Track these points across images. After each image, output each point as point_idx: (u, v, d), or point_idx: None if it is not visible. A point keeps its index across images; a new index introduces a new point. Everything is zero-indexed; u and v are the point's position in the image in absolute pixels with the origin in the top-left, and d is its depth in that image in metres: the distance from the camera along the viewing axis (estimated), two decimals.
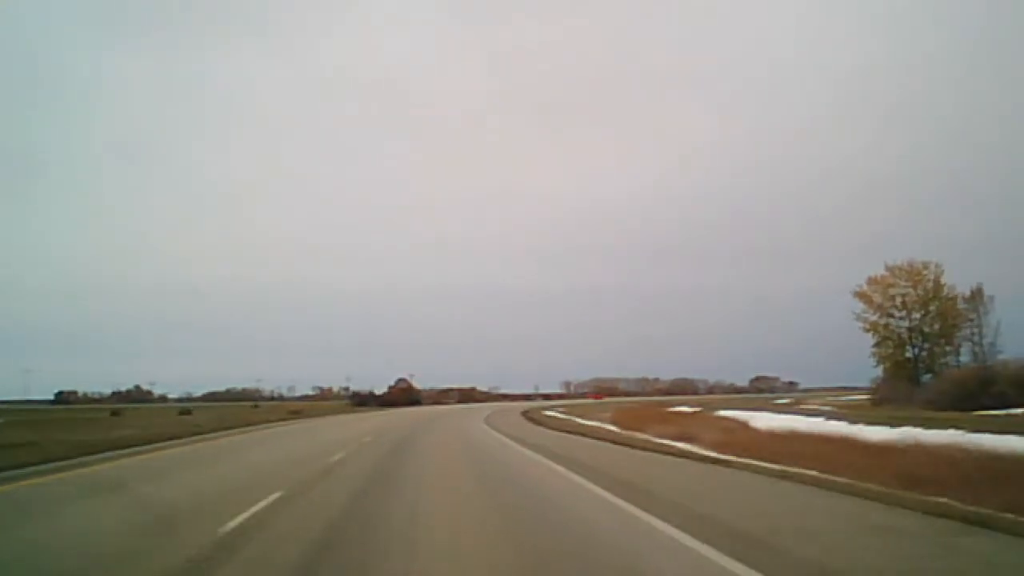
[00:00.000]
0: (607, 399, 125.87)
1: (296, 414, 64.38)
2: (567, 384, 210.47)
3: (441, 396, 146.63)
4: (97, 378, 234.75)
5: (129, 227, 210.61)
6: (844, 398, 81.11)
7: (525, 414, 53.57)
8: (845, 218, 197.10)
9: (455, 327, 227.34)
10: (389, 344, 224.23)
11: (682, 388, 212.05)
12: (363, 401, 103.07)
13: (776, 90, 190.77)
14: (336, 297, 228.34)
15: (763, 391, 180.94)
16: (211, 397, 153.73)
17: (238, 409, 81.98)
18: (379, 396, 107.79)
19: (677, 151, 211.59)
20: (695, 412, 50.44)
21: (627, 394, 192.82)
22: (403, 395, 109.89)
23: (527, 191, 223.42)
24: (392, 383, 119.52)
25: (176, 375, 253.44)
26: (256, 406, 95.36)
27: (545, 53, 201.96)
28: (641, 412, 47.23)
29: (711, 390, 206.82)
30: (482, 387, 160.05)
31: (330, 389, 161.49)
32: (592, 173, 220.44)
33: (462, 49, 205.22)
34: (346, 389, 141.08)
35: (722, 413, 43.70)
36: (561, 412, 58.81)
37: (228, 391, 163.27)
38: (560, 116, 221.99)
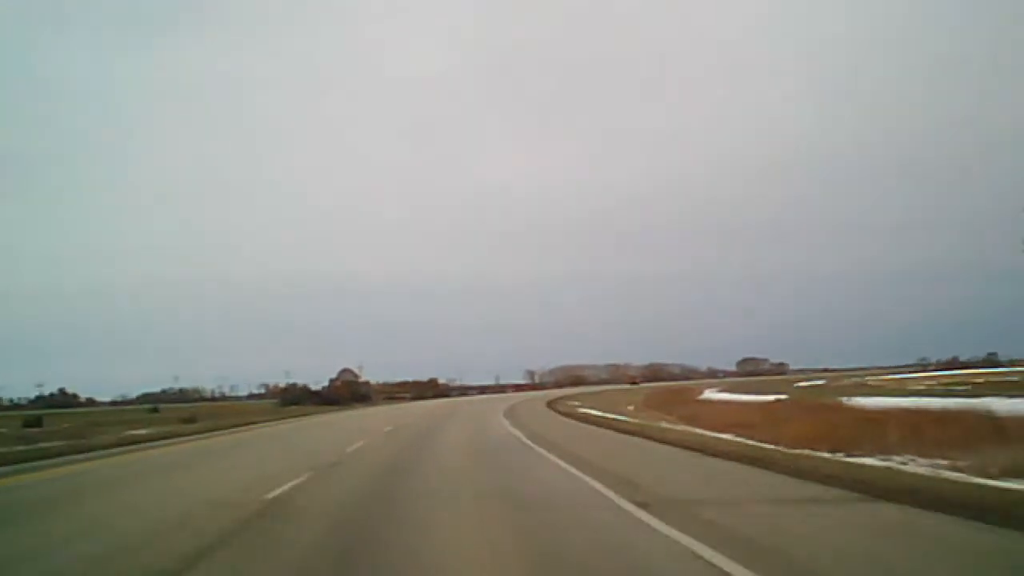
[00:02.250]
0: (598, 388, 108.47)
1: (188, 422, 46.65)
2: (531, 373, 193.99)
3: (395, 390, 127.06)
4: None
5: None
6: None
7: (580, 418, 35.49)
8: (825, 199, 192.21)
9: (408, 318, 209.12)
10: (339, 338, 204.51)
11: (656, 374, 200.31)
12: (295, 399, 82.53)
13: (743, 76, 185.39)
14: (283, 291, 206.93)
15: (753, 374, 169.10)
16: (146, 399, 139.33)
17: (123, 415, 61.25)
18: (317, 392, 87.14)
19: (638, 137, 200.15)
20: (780, 400, 33.59)
21: (602, 382, 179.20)
22: (347, 390, 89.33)
23: (488, 179, 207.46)
24: (334, 376, 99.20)
25: (108, 377, 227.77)
26: (155, 410, 74.61)
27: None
28: (725, 410, 29.48)
29: (688, 375, 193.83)
30: (440, 379, 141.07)
31: (276, 386, 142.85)
32: (556, 160, 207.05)
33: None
34: (294, 385, 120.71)
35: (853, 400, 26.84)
36: (595, 408, 40.85)
37: (164, 392, 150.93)
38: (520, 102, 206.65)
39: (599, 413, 35.34)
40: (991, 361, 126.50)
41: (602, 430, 24.90)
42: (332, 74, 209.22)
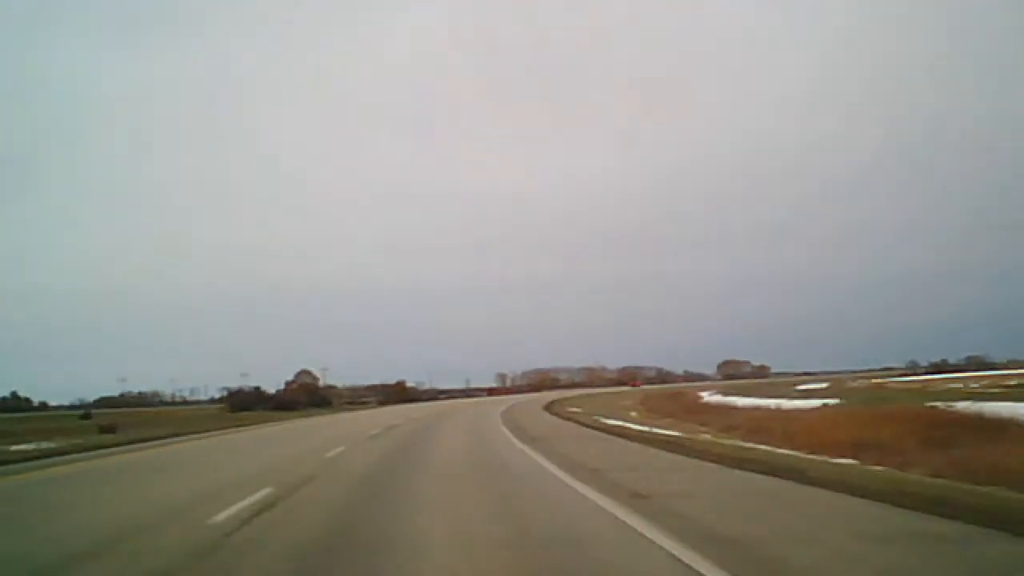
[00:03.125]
0: (593, 391, 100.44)
1: (106, 432, 38.95)
2: (503, 376, 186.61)
3: (360, 394, 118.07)
4: None
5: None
6: None
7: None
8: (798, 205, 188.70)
9: (379, 320, 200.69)
10: (306, 341, 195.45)
11: (632, 377, 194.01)
12: (246, 404, 73.08)
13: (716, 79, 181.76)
14: (247, 294, 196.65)
15: (735, 376, 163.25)
16: (105, 403, 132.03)
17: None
18: (272, 396, 77.60)
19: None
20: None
21: (576, 385, 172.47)
22: (304, 394, 79.98)
23: (457, 183, 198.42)
24: (291, 378, 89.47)
25: (76, 380, 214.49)
26: (87, 416, 65.03)
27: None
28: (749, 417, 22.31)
29: (664, 379, 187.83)
30: (409, 382, 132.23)
31: (240, 389, 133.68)
32: (526, 163, 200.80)
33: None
34: (241, 389, 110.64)
35: None
36: (605, 415, 33.10)
37: (123, 396, 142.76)
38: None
39: (617, 422, 27.64)
40: (986, 363, 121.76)
41: (653, 450, 17.07)
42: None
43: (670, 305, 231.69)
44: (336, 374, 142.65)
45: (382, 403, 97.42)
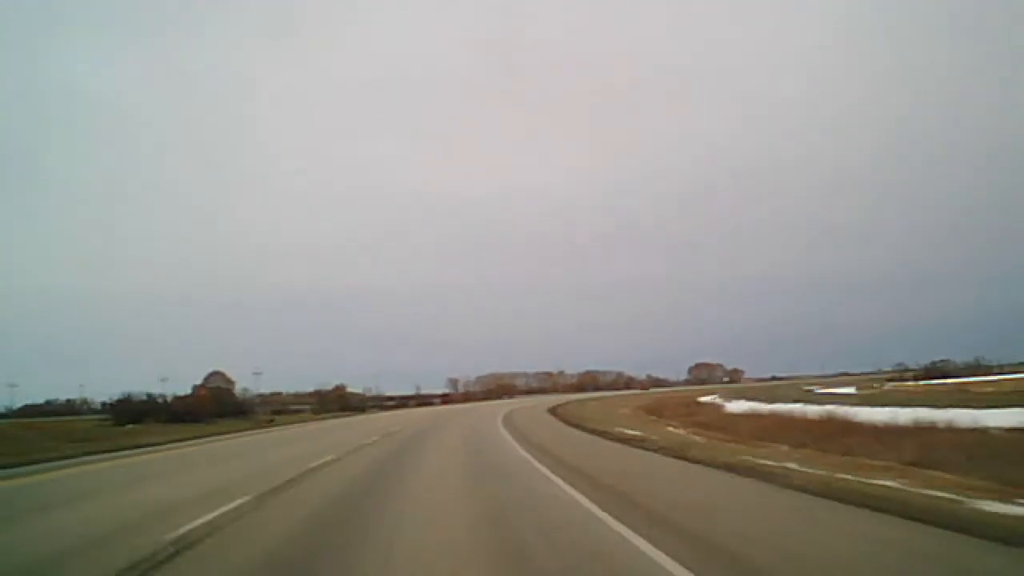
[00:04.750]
0: (589, 394, 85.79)
1: None
2: (454, 382, 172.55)
3: (292, 401, 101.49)
4: None
5: None
6: None
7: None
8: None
9: (314, 325, 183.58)
10: (243, 345, 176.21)
11: (594, 381, 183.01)
12: (136, 414, 55.58)
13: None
14: (171, 297, 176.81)
15: (706, 381, 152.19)
16: (30, 411, 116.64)
17: None
18: (166, 406, 59.65)
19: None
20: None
21: (535, 391, 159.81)
22: (213, 402, 62.42)
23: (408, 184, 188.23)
24: (200, 381, 71.68)
25: None
26: None
27: None
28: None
29: (627, 384, 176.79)
30: (355, 388, 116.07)
31: (129, 396, 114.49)
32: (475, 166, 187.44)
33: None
34: (149, 396, 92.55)
35: None
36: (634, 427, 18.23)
37: (49, 403, 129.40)
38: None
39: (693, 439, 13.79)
40: (982, 368, 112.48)
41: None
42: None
43: (633, 309, 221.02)
44: (274, 379, 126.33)
45: (319, 412, 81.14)
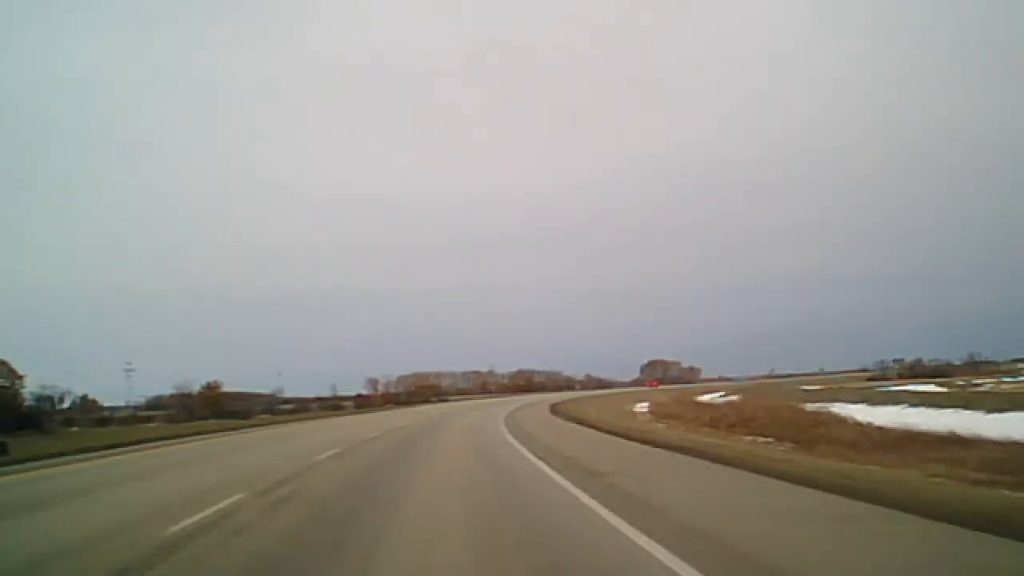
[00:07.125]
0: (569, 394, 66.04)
1: None
2: (374, 382, 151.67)
3: (160, 404, 78.24)
4: None
5: None
6: None
7: None
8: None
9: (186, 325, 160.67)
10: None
11: (529, 381, 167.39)
12: None
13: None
14: None
15: (663, 380, 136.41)
16: None
17: None
18: None
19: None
20: None
21: (463, 392, 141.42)
22: None
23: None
24: None
25: None
26: None
27: None
28: None
29: (567, 383, 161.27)
30: (267, 390, 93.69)
31: None
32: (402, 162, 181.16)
33: None
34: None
35: None
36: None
37: None
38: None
39: None
40: (976, 367, 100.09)
41: None
42: None
43: (571, 308, 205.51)
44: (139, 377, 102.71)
45: (172, 419, 59.19)
